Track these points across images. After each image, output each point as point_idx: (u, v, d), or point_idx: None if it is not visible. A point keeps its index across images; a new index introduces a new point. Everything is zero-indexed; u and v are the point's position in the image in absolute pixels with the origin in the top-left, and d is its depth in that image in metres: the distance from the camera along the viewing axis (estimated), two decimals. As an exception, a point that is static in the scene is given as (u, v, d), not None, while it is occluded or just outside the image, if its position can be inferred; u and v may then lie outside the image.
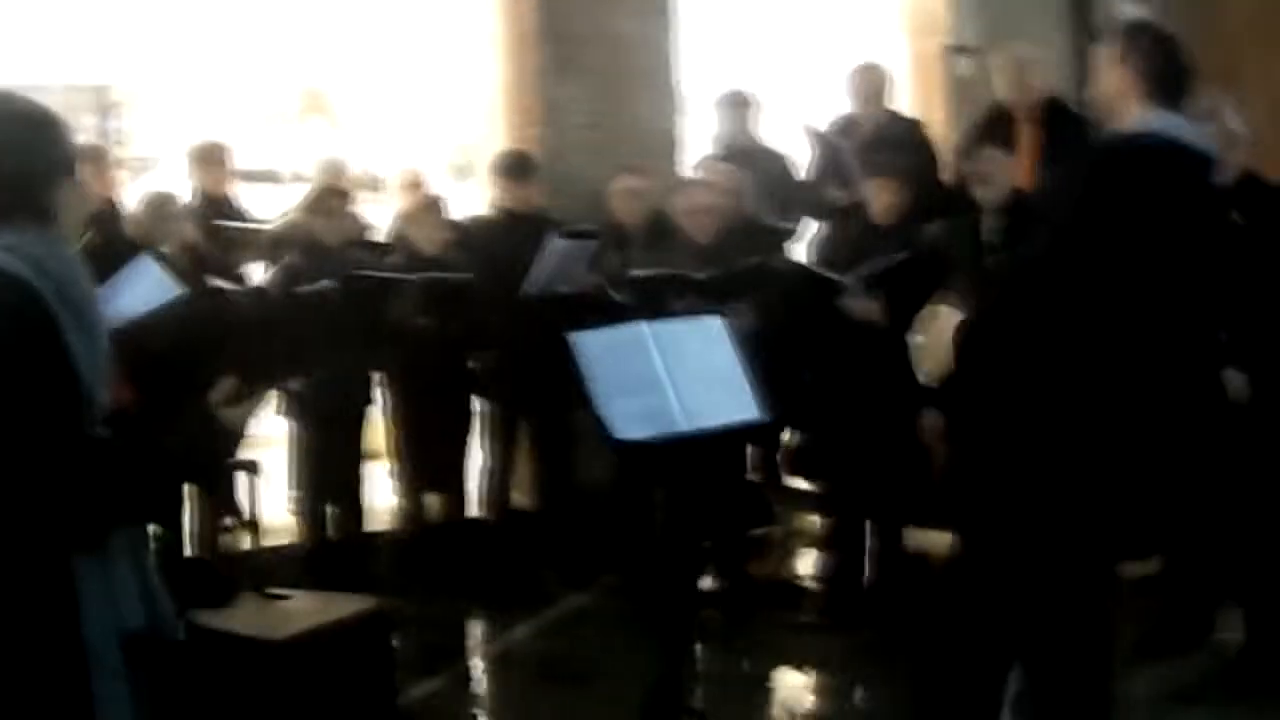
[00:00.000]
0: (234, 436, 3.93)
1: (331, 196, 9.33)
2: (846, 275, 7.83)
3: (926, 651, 5.26)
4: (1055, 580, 4.72)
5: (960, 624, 5.00)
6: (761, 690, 7.64)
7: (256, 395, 3.83)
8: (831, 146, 9.77)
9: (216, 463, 4.09)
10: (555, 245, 8.94)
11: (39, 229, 3.52)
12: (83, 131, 15.20)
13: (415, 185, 10.78)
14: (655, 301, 8.00)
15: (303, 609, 5.54)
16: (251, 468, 6.13)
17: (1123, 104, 4.74)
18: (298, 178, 12.67)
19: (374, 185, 11.94)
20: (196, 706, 3.98)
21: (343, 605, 5.69)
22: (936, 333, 4.89)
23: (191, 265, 8.29)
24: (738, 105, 10.59)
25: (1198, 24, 13.90)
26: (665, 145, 11.10)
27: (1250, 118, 7.44)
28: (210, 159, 10.17)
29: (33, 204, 3.53)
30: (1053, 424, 4.61)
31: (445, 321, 8.82)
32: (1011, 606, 4.80)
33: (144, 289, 5.99)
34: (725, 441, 7.27)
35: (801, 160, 10.31)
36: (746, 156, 10.16)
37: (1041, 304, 4.61)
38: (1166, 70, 4.75)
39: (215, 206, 9.85)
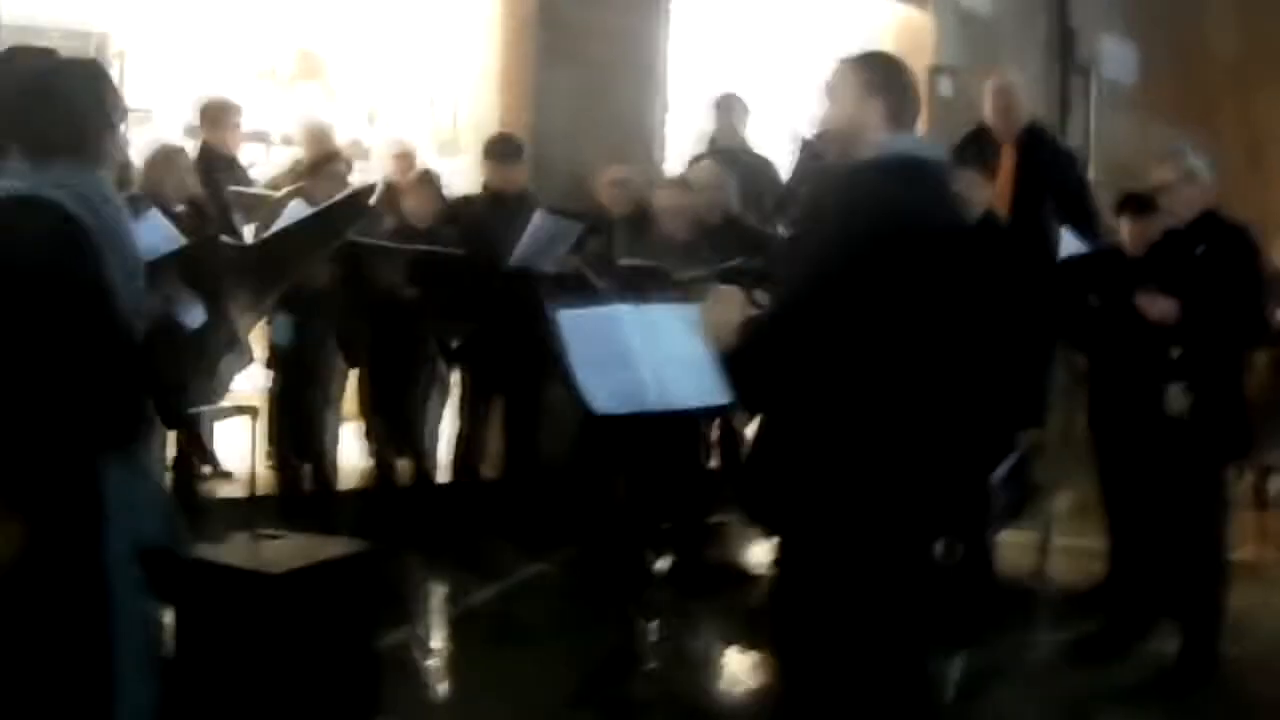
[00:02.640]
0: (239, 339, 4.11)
1: (333, 162, 9.50)
2: None
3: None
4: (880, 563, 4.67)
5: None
6: (710, 666, 7.87)
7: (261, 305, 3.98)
8: (814, 154, 9.92)
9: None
10: (540, 220, 9.18)
11: (89, 169, 3.77)
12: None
13: (404, 156, 10.99)
14: (636, 291, 8.22)
15: (294, 548, 5.73)
16: (252, 413, 6.28)
17: (865, 133, 4.71)
18: (287, 140, 12.75)
19: (360, 153, 12.07)
20: (202, 627, 4.21)
21: (331, 546, 5.90)
22: (718, 312, 5.12)
23: (193, 219, 8.48)
24: (730, 108, 10.81)
25: (1179, 66, 14.27)
26: (649, 138, 11.36)
27: (1228, 159, 7.72)
28: (219, 116, 10.37)
29: (84, 147, 3.77)
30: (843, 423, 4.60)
31: (430, 293, 9.05)
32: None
33: (149, 240, 6.20)
34: (687, 428, 7.55)
35: (784, 164, 10.53)
36: (733, 158, 10.39)
37: (796, 342, 4.63)
38: (905, 99, 4.79)
39: (220, 164, 10.03)
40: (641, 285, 8.36)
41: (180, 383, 3.92)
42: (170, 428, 3.94)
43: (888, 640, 4.72)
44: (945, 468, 4.70)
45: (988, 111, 9.69)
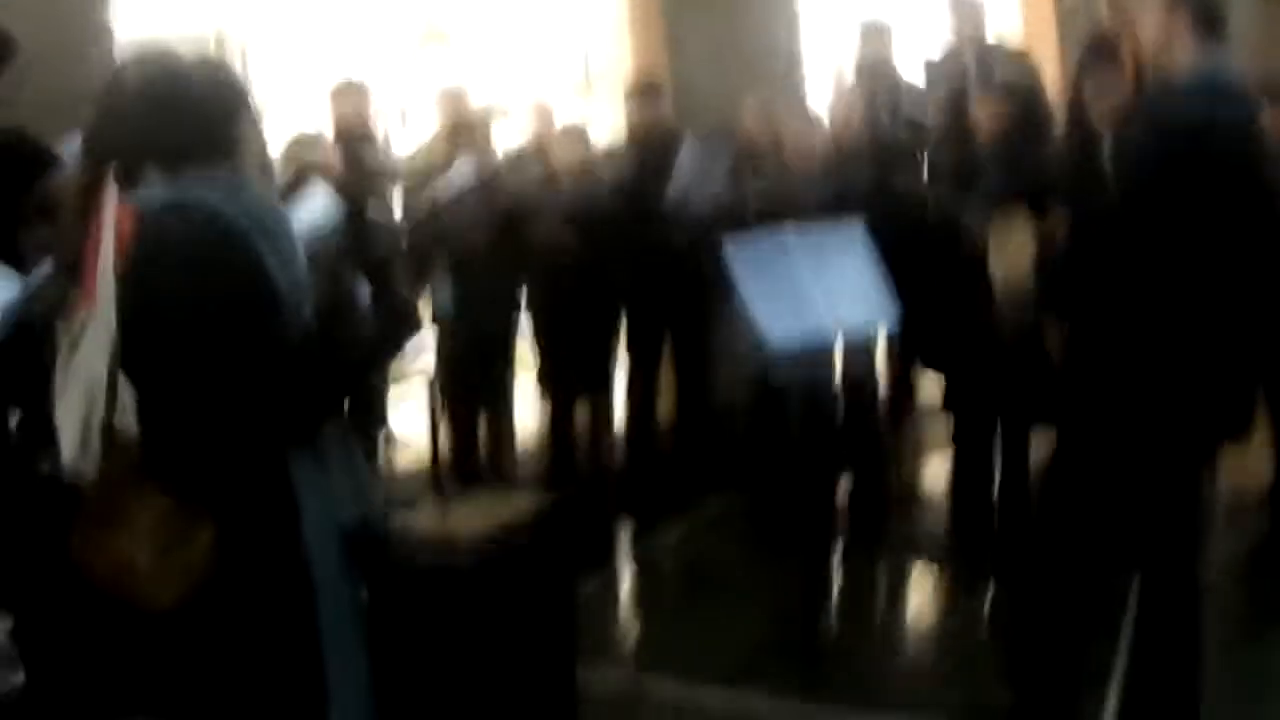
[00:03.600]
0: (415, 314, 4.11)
1: (469, 127, 9.52)
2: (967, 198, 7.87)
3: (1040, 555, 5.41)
4: (1159, 467, 4.95)
5: (1065, 527, 5.19)
6: (895, 594, 7.91)
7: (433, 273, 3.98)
8: (939, 75, 9.88)
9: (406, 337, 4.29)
10: (691, 146, 9.14)
11: (228, 165, 3.73)
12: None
13: (544, 110, 10.98)
14: (776, 219, 8.19)
15: (484, 508, 5.71)
16: (426, 379, 6.28)
17: (1173, 44, 4.92)
18: (424, 110, 12.80)
19: (497, 114, 12.08)
20: (404, 602, 4.22)
21: (522, 500, 5.91)
22: (1011, 249, 5.14)
23: (343, 194, 8.51)
24: (875, 32, 10.70)
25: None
26: (789, 69, 11.29)
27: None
28: (349, 96, 10.34)
29: (218, 142, 3.72)
30: (1136, 329, 4.89)
31: (588, 240, 9.00)
32: (1116, 502, 5.03)
33: (315, 211, 6.20)
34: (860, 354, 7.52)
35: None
36: (881, 79, 10.29)
37: (1110, 255, 4.88)
38: (1209, 9, 4.94)
39: (357, 141, 10.00)
40: (780, 214, 8.31)
41: (362, 361, 3.92)
42: (353, 404, 3.91)
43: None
44: (1233, 380, 4.93)
45: (1103, 14, 9.54)
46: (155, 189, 3.65)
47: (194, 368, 3.52)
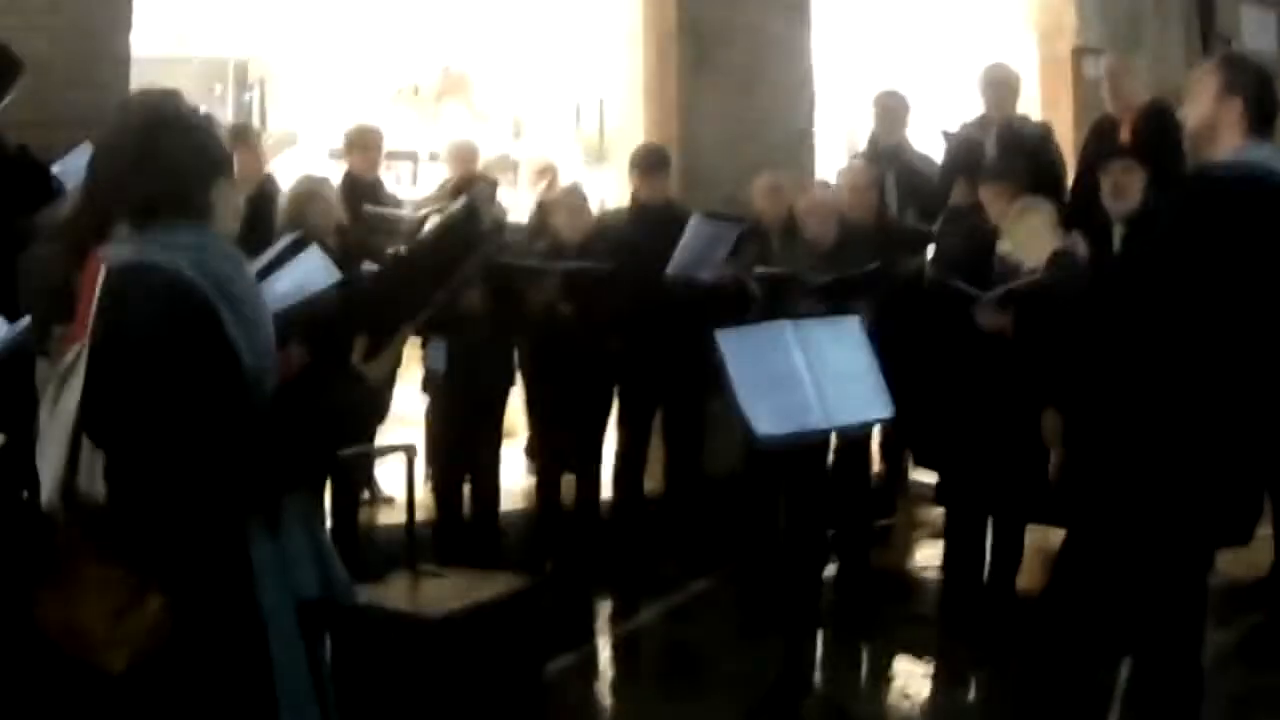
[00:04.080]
0: (378, 394, 4.03)
1: (478, 183, 9.44)
2: (984, 287, 7.77)
3: (1036, 646, 5.38)
4: (1161, 565, 4.92)
5: (1067, 617, 5.14)
6: (880, 677, 7.73)
7: (388, 348, 3.92)
8: (967, 144, 9.79)
9: (368, 421, 4.23)
10: (698, 225, 9.05)
11: (196, 226, 3.66)
12: (219, 104, 15.50)
13: (547, 171, 10.95)
14: (779, 300, 8.13)
15: (456, 586, 5.69)
16: (410, 451, 6.28)
17: (1220, 133, 4.87)
18: (434, 158, 12.80)
19: (508, 168, 12.08)
20: (364, 674, 4.17)
21: (493, 583, 5.86)
22: (1028, 229, 5.13)
23: (340, 249, 8.47)
24: (890, 106, 10.64)
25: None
26: (799, 143, 11.27)
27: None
28: (364, 143, 10.36)
29: (190, 202, 3.67)
30: (1146, 418, 4.84)
31: (586, 309, 8.90)
32: (1118, 594, 4.98)
33: (305, 275, 6.16)
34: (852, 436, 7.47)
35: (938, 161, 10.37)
36: (894, 157, 10.24)
37: (1125, 312, 4.84)
38: (1264, 104, 4.89)
39: (364, 190, 10.00)
40: (784, 293, 8.25)
41: (327, 438, 3.84)
42: (320, 481, 3.87)
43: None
44: (1244, 474, 4.91)
45: (1104, 96, 9.52)
46: (122, 244, 3.62)
47: (149, 433, 3.47)
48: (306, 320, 5.46)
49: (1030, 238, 5.41)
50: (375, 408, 4.17)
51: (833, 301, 7.68)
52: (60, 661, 3.67)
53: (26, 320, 4.75)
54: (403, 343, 4.01)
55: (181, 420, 3.45)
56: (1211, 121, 4.87)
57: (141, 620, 3.53)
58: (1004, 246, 5.87)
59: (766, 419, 5.87)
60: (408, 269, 4.49)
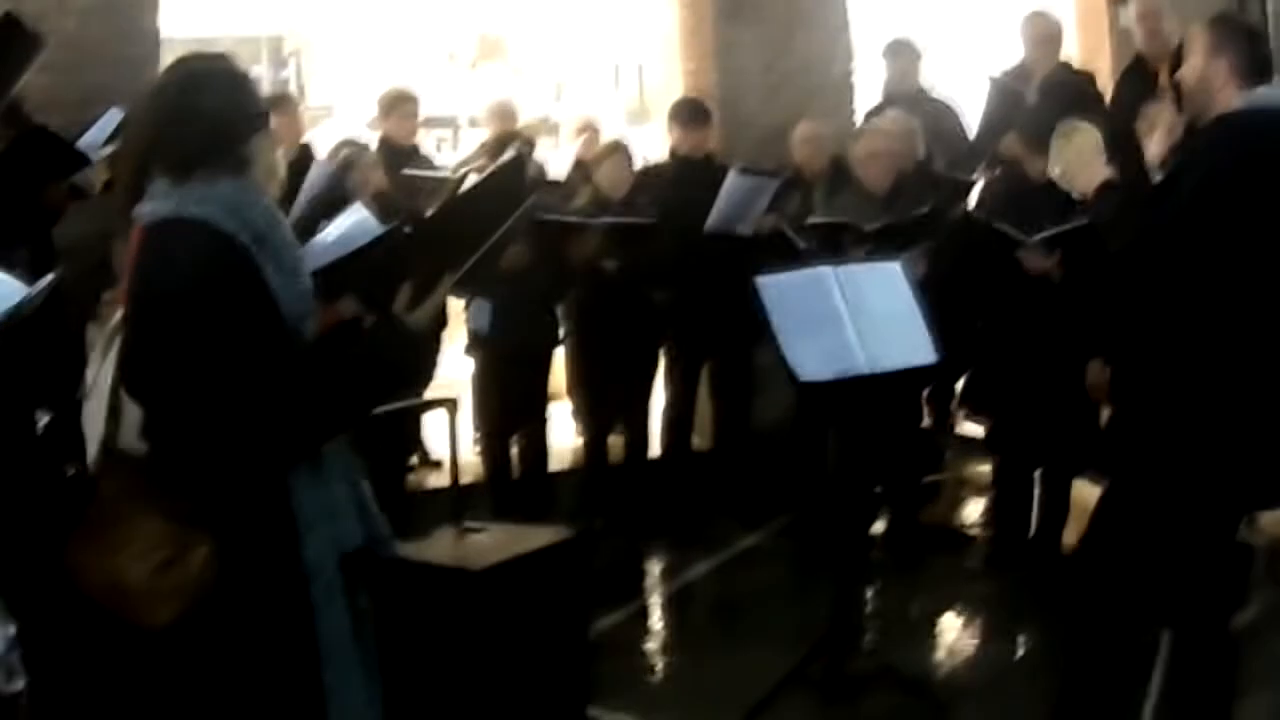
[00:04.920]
0: (420, 342, 4.01)
1: (515, 141, 9.40)
2: (1029, 234, 7.68)
3: (1080, 601, 5.33)
4: (1195, 526, 4.91)
5: (1103, 576, 5.16)
6: (928, 632, 7.69)
7: (432, 296, 3.91)
8: (1009, 93, 9.68)
9: (410, 368, 4.20)
10: (735, 180, 9.02)
11: (235, 179, 3.69)
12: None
13: (589, 129, 10.89)
14: (832, 248, 8.06)
15: (498, 540, 5.65)
16: (451, 405, 6.23)
17: (1214, 91, 5.02)
18: (474, 123, 12.75)
19: (548, 129, 12.04)
20: (405, 626, 4.14)
21: (537, 536, 5.79)
22: (1076, 152, 5.13)
23: (382, 212, 8.42)
24: (903, 54, 10.54)
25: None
26: (838, 91, 11.18)
27: None
28: (398, 107, 10.30)
29: (229, 155, 3.69)
30: (1185, 381, 4.87)
31: (630, 263, 8.88)
32: (1152, 555, 4.98)
33: (351, 229, 6.14)
34: (901, 387, 7.41)
35: (972, 109, 10.26)
36: (913, 105, 10.12)
37: (1164, 271, 4.90)
38: (1253, 60, 5.03)
39: (402, 154, 9.95)
40: (836, 241, 8.19)
41: (367, 387, 3.82)
42: (361, 429, 3.86)
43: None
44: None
45: (1138, 39, 9.38)
46: (160, 199, 3.64)
47: (192, 384, 3.50)
48: (355, 273, 5.45)
49: (1078, 161, 5.43)
50: (417, 355, 4.13)
51: (886, 248, 7.58)
52: (102, 620, 3.71)
53: (49, 279, 4.72)
54: (446, 293, 3.98)
55: (222, 370, 3.48)
56: (1204, 79, 5.04)
57: (186, 572, 3.57)
58: (1053, 170, 5.80)
59: (809, 362, 5.84)
60: (453, 218, 4.47)
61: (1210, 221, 4.76)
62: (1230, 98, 4.95)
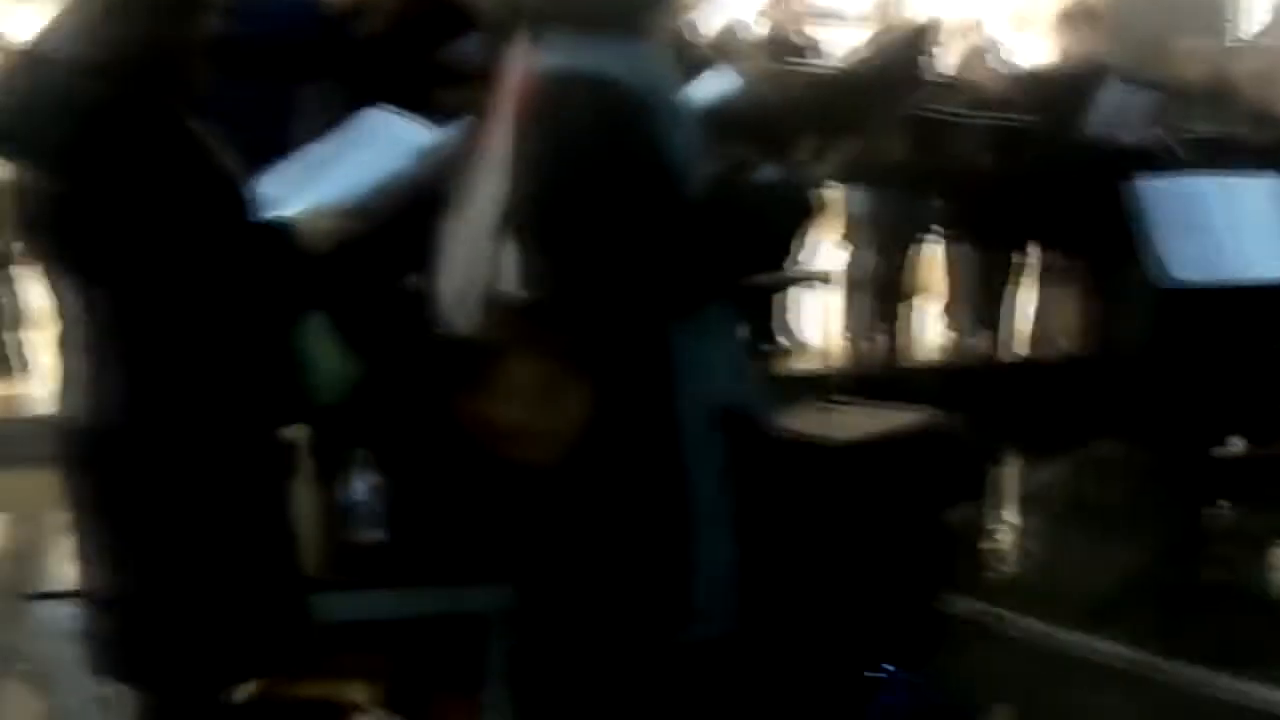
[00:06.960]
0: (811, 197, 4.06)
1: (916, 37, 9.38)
2: None
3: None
4: None
5: None
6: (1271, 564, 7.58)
7: (830, 153, 3.94)
8: None
9: (798, 221, 4.27)
10: (1117, 89, 8.95)
11: (634, 42, 3.70)
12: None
13: (972, 29, 10.84)
14: (1212, 161, 7.94)
15: (865, 417, 5.69)
16: (822, 279, 6.22)
17: None
18: (863, 19, 12.72)
19: (934, 29, 11.95)
20: (761, 492, 4.22)
21: (900, 418, 5.79)
22: None
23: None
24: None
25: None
26: (1224, 6, 10.95)
27: None
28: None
29: (632, 20, 3.72)
30: None
31: (1006, 164, 8.83)
32: None
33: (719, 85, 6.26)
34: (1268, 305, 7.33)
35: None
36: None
37: None
38: None
39: (787, 48, 9.92)
40: (1218, 155, 8.06)
41: (753, 238, 3.90)
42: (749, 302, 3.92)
43: None
44: None
45: None
46: (559, 54, 3.67)
47: (585, 236, 3.56)
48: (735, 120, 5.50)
49: None
50: (805, 210, 4.19)
51: (1269, 166, 7.46)
52: (472, 466, 3.90)
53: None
54: (843, 154, 4.03)
55: (618, 217, 3.53)
56: None
57: (566, 415, 3.62)
58: None
59: (1181, 264, 5.83)
60: (855, 81, 4.48)
61: None
62: None
